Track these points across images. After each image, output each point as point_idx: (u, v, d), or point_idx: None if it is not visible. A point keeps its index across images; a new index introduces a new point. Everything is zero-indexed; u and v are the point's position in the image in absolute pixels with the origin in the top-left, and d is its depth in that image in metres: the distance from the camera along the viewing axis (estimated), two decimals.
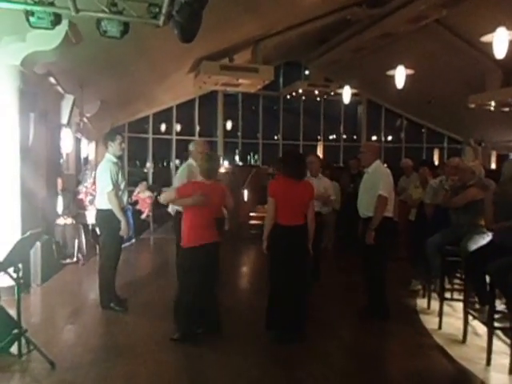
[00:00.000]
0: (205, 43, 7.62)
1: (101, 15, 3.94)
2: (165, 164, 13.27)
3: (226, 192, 4.30)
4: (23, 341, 3.57)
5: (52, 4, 3.91)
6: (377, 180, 4.68)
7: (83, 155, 9.62)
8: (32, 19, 3.96)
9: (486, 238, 4.46)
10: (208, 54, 8.87)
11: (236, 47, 9.05)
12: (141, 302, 5.12)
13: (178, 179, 5.18)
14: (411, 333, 4.48)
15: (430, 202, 5.53)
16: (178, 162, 12.64)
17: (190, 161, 5.18)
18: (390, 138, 14.52)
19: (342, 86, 11.37)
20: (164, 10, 3.89)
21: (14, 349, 3.58)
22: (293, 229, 4.16)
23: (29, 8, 3.88)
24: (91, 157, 10.17)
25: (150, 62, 7.83)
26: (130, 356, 3.80)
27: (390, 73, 9.94)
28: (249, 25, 8.13)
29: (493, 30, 7.24)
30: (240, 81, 9.11)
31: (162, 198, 4.23)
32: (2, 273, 3.52)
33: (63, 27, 4.59)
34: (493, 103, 9.47)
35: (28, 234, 3.67)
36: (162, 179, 12.30)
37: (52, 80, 6.77)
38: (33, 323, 4.22)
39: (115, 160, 4.85)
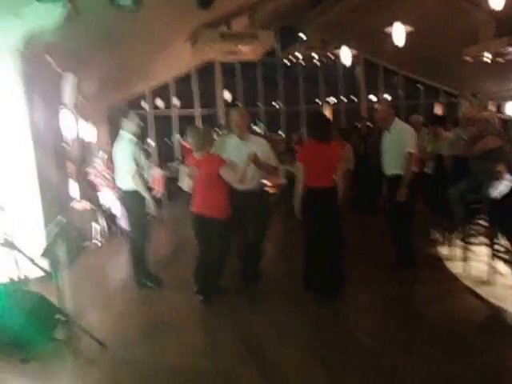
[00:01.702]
0: (201, 11, 7.38)
1: None
2: (166, 140, 13.07)
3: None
4: (68, 326, 3.59)
5: None
6: (403, 138, 4.81)
7: (84, 137, 9.41)
8: None
9: (506, 184, 4.66)
10: (205, 23, 8.60)
11: (233, 14, 8.79)
12: (173, 277, 5.17)
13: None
14: (439, 278, 4.71)
15: (448, 154, 5.72)
16: (178, 136, 12.48)
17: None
18: (388, 96, 14.41)
19: (338, 47, 11.16)
20: None
21: (60, 335, 3.60)
22: (323, 191, 4.28)
23: None
24: (92, 138, 9.95)
25: (146, 34, 7.58)
26: (177, 329, 3.89)
27: (388, 30, 9.74)
28: None
29: None
30: (240, 48, 8.86)
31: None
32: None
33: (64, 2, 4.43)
34: (488, 54, 9.36)
35: (63, 221, 3.64)
36: (166, 155, 12.14)
37: (49, 59, 6.53)
38: (72, 308, 4.18)
39: (135, 140, 4.77)
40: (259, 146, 4.49)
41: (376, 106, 12.24)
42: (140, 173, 4.65)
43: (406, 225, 4.93)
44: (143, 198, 4.68)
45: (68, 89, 7.10)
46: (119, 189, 5.09)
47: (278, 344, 3.48)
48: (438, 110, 13.86)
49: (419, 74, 13.80)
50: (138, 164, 4.65)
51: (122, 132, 4.80)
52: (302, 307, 4.16)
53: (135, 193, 4.66)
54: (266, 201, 4.80)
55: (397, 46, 9.28)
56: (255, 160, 4.25)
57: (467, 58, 9.53)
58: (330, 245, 4.27)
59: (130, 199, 4.76)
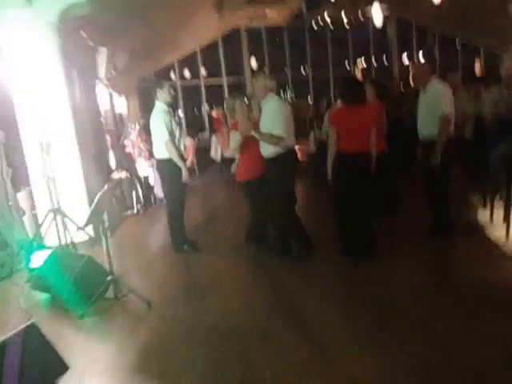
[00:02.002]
0: None
1: None
2: (195, 110, 13.17)
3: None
4: (117, 286, 3.83)
5: None
6: (438, 98, 4.48)
7: (117, 110, 9.63)
8: None
9: None
10: None
11: None
12: (210, 242, 5.33)
13: None
14: (480, 245, 4.55)
15: (490, 115, 5.47)
16: (207, 106, 12.56)
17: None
18: (421, 57, 13.87)
19: (369, 4, 10.73)
20: None
21: (109, 294, 3.86)
22: (356, 156, 4.19)
23: None
24: (124, 111, 10.17)
25: (173, 3, 7.59)
26: (218, 290, 4.04)
27: None
28: None
29: None
30: (267, 12, 8.74)
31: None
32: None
33: None
34: None
35: (106, 187, 3.83)
36: (196, 125, 12.28)
37: (83, 33, 6.66)
38: (118, 271, 4.39)
39: (166, 108, 4.85)
40: (269, 114, 4.38)
41: (410, 66, 11.81)
42: (173, 141, 4.75)
43: (442, 191, 4.69)
44: (177, 167, 4.77)
45: (102, 63, 7.23)
46: (155, 158, 5.24)
47: (315, 305, 3.56)
48: (478, 68, 13.23)
49: (456, 32, 13.15)
50: (171, 133, 4.74)
51: (156, 102, 4.88)
52: (338, 270, 4.20)
53: (169, 161, 4.76)
54: (281, 169, 4.42)
55: (433, 2, 8.89)
56: (254, 129, 4.30)
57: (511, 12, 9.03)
58: (361, 211, 4.25)
59: (165, 168, 4.87)
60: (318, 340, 3.06)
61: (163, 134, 4.71)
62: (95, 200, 3.62)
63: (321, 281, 4.04)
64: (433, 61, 13.00)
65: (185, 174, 4.82)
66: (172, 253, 5.06)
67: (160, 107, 4.84)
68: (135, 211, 6.96)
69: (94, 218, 3.71)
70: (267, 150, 4.38)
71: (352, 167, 4.20)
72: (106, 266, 3.81)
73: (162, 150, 4.79)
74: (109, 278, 3.81)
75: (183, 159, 4.89)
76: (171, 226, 5.06)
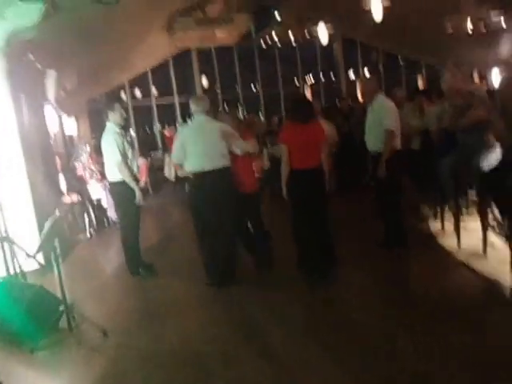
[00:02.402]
0: None
1: None
2: (147, 129, 13.05)
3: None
4: (70, 316, 3.64)
5: None
6: (383, 114, 4.72)
7: (67, 131, 9.37)
8: None
9: (495, 156, 4.60)
10: (179, 10, 8.56)
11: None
12: (167, 265, 5.22)
13: None
14: (433, 255, 4.67)
15: (435, 128, 5.66)
16: (159, 125, 12.48)
17: None
18: (367, 73, 14.46)
19: (315, 24, 11.12)
20: None
21: (62, 324, 3.63)
22: (308, 172, 4.26)
23: None
24: (74, 132, 9.91)
25: (123, 25, 7.54)
26: (176, 315, 3.91)
27: (366, 6, 9.76)
28: None
29: None
30: (217, 33, 8.86)
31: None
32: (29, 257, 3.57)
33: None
34: (468, 24, 9.45)
35: (57, 213, 3.72)
36: (148, 144, 12.15)
37: (31, 56, 6.48)
38: (71, 299, 4.18)
39: (118, 130, 4.79)
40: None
41: (358, 82, 12.26)
42: (126, 163, 4.68)
43: (393, 202, 4.85)
44: (130, 188, 4.69)
45: (51, 85, 7.06)
46: (107, 180, 5.14)
47: (274, 325, 3.52)
48: (421, 83, 13.86)
49: (399, 48, 13.81)
50: (123, 154, 4.67)
51: (107, 124, 4.82)
52: (297, 288, 4.18)
53: (122, 183, 4.68)
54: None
55: (375, 21, 9.30)
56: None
57: (448, 28, 9.58)
58: (318, 226, 4.31)
59: (118, 190, 4.79)
60: (281, 362, 3.02)
61: (115, 155, 4.64)
62: (46, 226, 3.50)
63: (281, 300, 3.99)
64: (378, 77, 13.57)
65: (138, 195, 4.74)
66: (127, 277, 4.92)
67: (111, 129, 4.78)
68: (88, 235, 6.75)
69: (45, 245, 3.57)
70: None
71: (306, 183, 4.27)
72: (59, 294, 3.63)
73: (115, 172, 4.71)
74: (61, 307, 3.64)
75: (136, 180, 4.82)
76: (126, 250, 4.93)
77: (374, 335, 3.20)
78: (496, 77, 12.16)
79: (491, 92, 7.48)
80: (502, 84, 4.48)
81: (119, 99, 11.78)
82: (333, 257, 4.42)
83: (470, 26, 9.34)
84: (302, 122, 4.28)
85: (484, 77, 12.42)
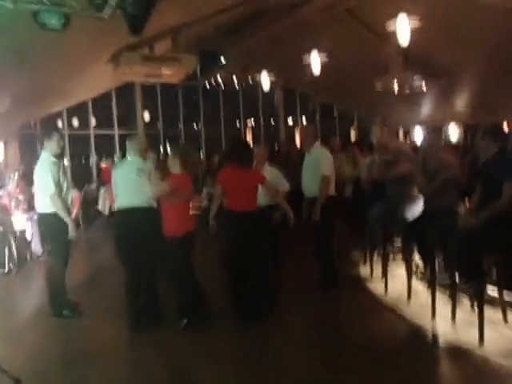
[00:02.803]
0: (123, 34, 7.38)
1: (39, 7, 3.75)
2: (83, 161, 12.58)
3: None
4: None
5: None
6: (319, 161, 5.04)
7: None
8: None
9: (418, 206, 4.96)
10: (127, 45, 8.55)
11: (155, 37, 8.83)
12: (94, 304, 4.96)
13: None
14: (362, 298, 4.89)
15: (365, 178, 6.03)
16: (95, 157, 12.10)
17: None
18: (304, 121, 15.16)
19: (259, 72, 11.63)
20: (113, 2, 3.78)
21: None
22: (242, 214, 4.36)
23: None
24: (0, 158, 9.36)
25: (64, 54, 7.38)
26: (102, 360, 3.69)
27: (305, 59, 10.36)
28: (169, 14, 7.99)
29: (395, 17, 7.88)
30: (163, 71, 8.90)
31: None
32: None
33: None
34: (395, 86, 10.30)
35: None
36: (82, 176, 11.69)
37: None
38: None
39: (54, 159, 4.61)
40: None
41: (296, 128, 12.80)
42: (60, 195, 4.50)
43: (325, 245, 5.10)
44: (62, 221, 4.49)
45: None
46: (36, 211, 4.89)
47: (206, 368, 3.46)
48: (353, 134, 14.78)
49: (334, 101, 14.70)
50: (58, 185, 4.49)
51: (43, 152, 4.64)
52: (231, 330, 4.18)
53: (54, 215, 4.48)
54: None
55: (313, 74, 9.88)
56: None
57: (379, 89, 10.39)
58: (250, 266, 4.39)
59: (48, 222, 4.56)
60: None
61: (49, 186, 4.44)
62: None
63: (213, 343, 3.91)
64: (315, 126, 14.29)
65: (71, 229, 4.55)
66: (49, 318, 4.58)
67: (47, 158, 4.60)
68: (6, 270, 6.24)
69: None
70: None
71: (238, 225, 4.36)
72: None
73: (47, 203, 4.50)
74: None
75: (69, 213, 4.62)
76: (50, 287, 4.64)
77: (303, 376, 3.26)
78: (418, 134, 13.32)
79: (414, 148, 8.15)
80: (423, 141, 4.97)
81: (55, 127, 11.32)
82: (265, 297, 4.46)
83: (396, 86, 10.20)
84: (240, 165, 4.40)
85: (407, 133, 13.55)
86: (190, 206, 4.66)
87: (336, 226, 7.00)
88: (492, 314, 3.82)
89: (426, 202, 4.79)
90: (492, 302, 3.92)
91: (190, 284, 4.24)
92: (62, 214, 4.49)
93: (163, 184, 4.28)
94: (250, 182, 4.43)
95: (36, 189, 4.69)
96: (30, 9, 3.88)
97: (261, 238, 4.52)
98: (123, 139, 12.41)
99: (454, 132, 11.66)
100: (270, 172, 5.13)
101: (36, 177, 4.63)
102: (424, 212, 4.76)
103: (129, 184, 4.32)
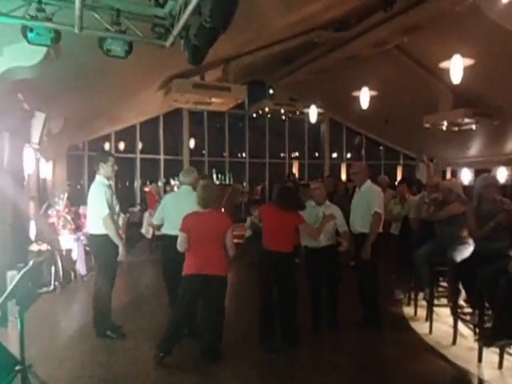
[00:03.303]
0: (177, 61, 7.57)
1: (104, 34, 3.86)
2: (127, 184, 12.83)
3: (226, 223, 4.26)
4: (25, 378, 3.23)
5: (51, 20, 3.75)
6: (371, 198, 5.01)
7: (43, 175, 9.10)
8: (30, 35, 3.81)
9: (468, 248, 4.88)
10: (179, 72, 8.78)
11: (207, 66, 9.03)
12: (136, 327, 4.95)
13: None
14: (406, 338, 4.80)
15: (414, 217, 5.97)
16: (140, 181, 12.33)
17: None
18: (349, 155, 14.98)
19: (307, 106, 11.68)
20: (175, 32, 3.85)
21: None
22: (275, 255, 4.45)
23: (29, 24, 3.72)
24: (49, 177, 9.64)
25: (119, 79, 7.64)
26: (139, 381, 3.72)
27: (354, 94, 10.36)
28: (221, 44, 8.16)
29: (448, 57, 7.81)
30: (212, 99, 9.08)
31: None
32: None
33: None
34: (444, 123, 10.12)
35: (31, 264, 3.45)
36: (126, 199, 11.88)
37: (20, 96, 6.40)
38: (28, 358, 3.73)
39: (108, 183, 4.71)
40: None
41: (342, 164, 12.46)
42: (112, 217, 4.55)
43: (371, 283, 5.02)
44: (112, 243, 4.53)
45: (37, 127, 6.95)
46: (88, 232, 4.95)
47: None
48: (399, 171, 14.54)
49: (381, 137, 14.58)
50: (111, 208, 4.56)
51: (97, 176, 4.73)
52: (268, 368, 4.13)
53: (105, 237, 4.52)
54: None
55: (361, 109, 9.83)
56: None
57: (426, 125, 10.21)
58: (284, 304, 4.45)
59: (100, 243, 4.59)
60: None
61: (103, 208, 4.51)
62: (15, 279, 3.21)
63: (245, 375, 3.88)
64: (361, 161, 14.10)
65: (121, 251, 4.59)
66: (93, 338, 4.58)
67: (101, 181, 4.70)
68: (51, 288, 6.29)
69: (8, 299, 3.26)
70: None
71: (272, 265, 4.45)
72: (16, 352, 3.28)
73: (99, 224, 4.55)
74: (17, 367, 3.23)
75: (120, 236, 4.66)
76: (96, 307, 4.64)
77: None
78: (466, 174, 12.92)
79: (464, 189, 7.89)
80: (479, 182, 4.78)
81: (102, 149, 11.67)
82: (296, 334, 4.49)
83: (445, 125, 10.00)
84: (283, 208, 4.47)
85: (455, 173, 13.17)
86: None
87: (382, 264, 6.90)
88: None
89: (477, 245, 4.68)
90: None
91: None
92: (113, 236, 4.53)
93: None
94: (288, 225, 4.49)
95: (89, 210, 4.73)
96: (96, 35, 3.99)
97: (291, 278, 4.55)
98: (168, 164, 12.67)
99: (502, 174, 11.24)
100: (331, 209, 5.01)
101: (90, 198, 4.69)
102: (474, 254, 4.66)
103: (181, 212, 4.30)
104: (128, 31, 4.00)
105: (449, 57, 7.74)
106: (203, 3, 3.41)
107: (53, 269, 6.27)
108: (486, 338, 3.98)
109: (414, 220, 5.96)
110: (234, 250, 4.19)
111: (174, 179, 12.07)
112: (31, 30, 3.76)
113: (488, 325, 4.07)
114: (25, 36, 3.80)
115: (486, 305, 4.19)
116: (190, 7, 3.51)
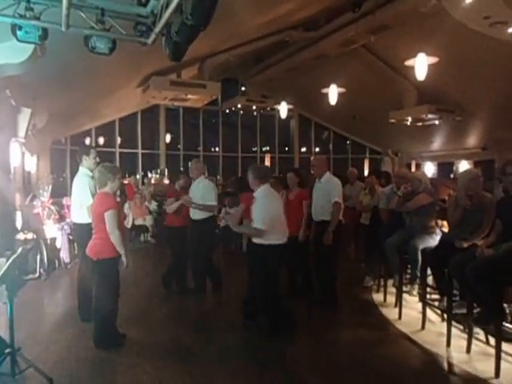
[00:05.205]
0: (155, 60, 7.95)
1: (90, 32, 4.10)
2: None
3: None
4: (14, 360, 3.43)
5: (39, 18, 3.93)
6: (330, 189, 5.41)
7: (28, 169, 9.37)
8: (19, 33, 4.00)
9: (435, 238, 5.10)
10: (157, 70, 9.16)
11: (183, 64, 9.43)
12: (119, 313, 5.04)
13: None
14: (376, 323, 5.00)
15: (383, 207, 6.09)
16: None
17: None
18: (317, 149, 15.57)
19: (277, 102, 12.20)
20: (157, 30, 4.08)
21: (5, 368, 3.41)
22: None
23: (18, 22, 3.90)
24: (33, 170, 9.90)
25: (101, 77, 7.95)
26: (126, 366, 3.84)
27: (323, 91, 10.86)
28: (198, 44, 8.56)
29: (413, 55, 8.09)
30: (188, 96, 9.49)
31: None
32: None
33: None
34: (409, 119, 10.65)
35: (20, 251, 3.67)
36: None
37: (8, 92, 6.68)
38: (17, 341, 3.64)
39: (91, 174, 4.93)
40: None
41: (312, 157, 13.07)
42: None
43: (330, 267, 5.41)
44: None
45: (23, 122, 7.22)
46: (72, 221, 5.24)
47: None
48: (367, 166, 15.13)
49: (349, 132, 15.18)
50: (93, 197, 4.72)
51: (80, 168, 5.01)
52: (250, 346, 4.39)
53: (89, 226, 4.61)
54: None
55: (330, 105, 10.34)
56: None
57: (392, 121, 10.68)
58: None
59: (84, 231, 4.74)
60: None
61: (87, 198, 4.75)
62: (5, 266, 3.42)
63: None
64: (328, 155, 14.68)
65: None
66: (78, 322, 4.80)
67: (84, 172, 4.97)
68: (37, 275, 6.65)
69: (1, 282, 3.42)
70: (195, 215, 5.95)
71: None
72: (5, 336, 3.50)
73: (82, 214, 4.80)
74: (7, 350, 3.42)
75: None
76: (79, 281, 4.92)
77: None
78: (429, 168, 13.59)
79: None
80: (463, 174, 5.00)
81: (83, 144, 11.93)
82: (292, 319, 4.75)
83: (409, 120, 10.55)
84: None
85: (419, 167, 13.77)
86: None
87: (351, 252, 7.38)
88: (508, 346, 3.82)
89: (447, 233, 4.95)
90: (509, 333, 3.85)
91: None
92: None
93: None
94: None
95: (73, 200, 5.01)
96: (82, 33, 4.21)
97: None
98: (145, 158, 13.06)
99: (464, 168, 11.78)
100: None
101: (74, 189, 4.97)
102: (441, 241, 4.85)
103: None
104: (112, 29, 4.21)
105: (414, 55, 8.01)
106: (184, 2, 3.58)
107: (38, 257, 6.61)
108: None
109: (383, 211, 6.07)
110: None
111: (151, 172, 12.57)
112: (20, 28, 3.96)
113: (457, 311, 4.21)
114: (14, 34, 4.00)
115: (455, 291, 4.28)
116: (172, 5, 3.64)
